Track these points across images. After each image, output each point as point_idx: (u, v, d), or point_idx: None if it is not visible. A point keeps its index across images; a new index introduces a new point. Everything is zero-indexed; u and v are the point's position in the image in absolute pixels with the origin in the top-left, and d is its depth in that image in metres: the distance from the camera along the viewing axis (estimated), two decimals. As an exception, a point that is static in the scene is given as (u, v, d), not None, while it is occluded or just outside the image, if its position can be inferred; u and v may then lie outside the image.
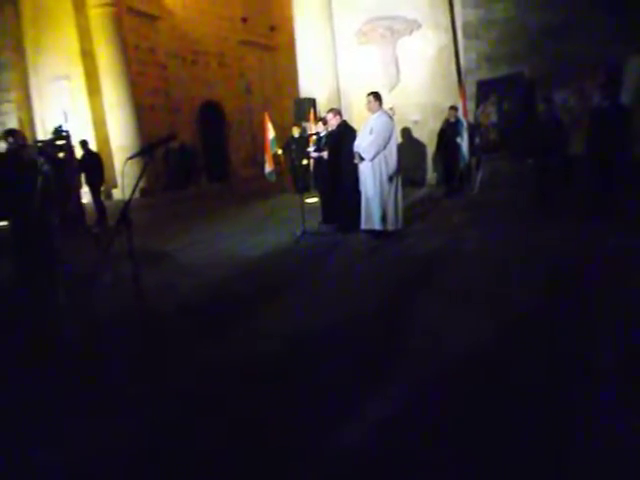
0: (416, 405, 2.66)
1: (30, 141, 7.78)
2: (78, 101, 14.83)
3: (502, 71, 9.52)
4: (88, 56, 14.71)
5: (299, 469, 2.25)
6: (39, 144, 4.91)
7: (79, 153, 9.87)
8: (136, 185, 2.85)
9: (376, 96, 6.51)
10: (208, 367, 3.30)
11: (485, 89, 9.35)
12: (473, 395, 2.70)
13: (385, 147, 6.28)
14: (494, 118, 9.07)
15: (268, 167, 10.33)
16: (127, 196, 2.66)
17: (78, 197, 9.59)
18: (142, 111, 15.45)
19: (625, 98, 7.40)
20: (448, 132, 9.45)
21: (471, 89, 9.93)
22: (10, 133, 5.05)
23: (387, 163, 6.33)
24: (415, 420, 2.53)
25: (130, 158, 2.85)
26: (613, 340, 3.16)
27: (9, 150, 5.12)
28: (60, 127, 5.17)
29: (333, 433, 2.46)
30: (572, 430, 2.34)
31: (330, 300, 4.43)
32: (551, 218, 6.66)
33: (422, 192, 10.34)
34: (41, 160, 5.26)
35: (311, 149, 8.03)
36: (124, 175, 14.98)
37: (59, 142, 5.41)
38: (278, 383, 3.03)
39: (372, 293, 4.56)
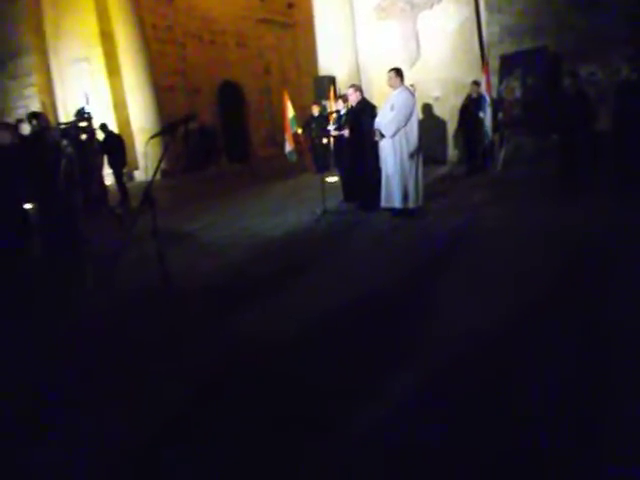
0: (440, 386, 2.68)
1: (53, 124, 7.88)
2: (98, 83, 14.91)
3: (526, 45, 9.27)
4: (107, 37, 14.74)
5: (314, 452, 2.28)
6: (62, 126, 4.94)
7: (100, 136, 9.98)
8: (158, 166, 2.87)
9: (397, 72, 6.41)
10: (231, 345, 3.34)
11: (508, 63, 9.13)
12: (496, 376, 2.70)
13: (406, 124, 6.20)
14: (518, 93, 8.87)
15: (288, 146, 10.29)
16: (149, 177, 2.68)
17: (101, 179, 9.71)
18: (161, 92, 15.48)
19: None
20: (470, 108, 9.27)
21: (494, 64, 9.70)
22: (34, 116, 5.13)
23: (408, 140, 6.25)
24: (438, 400, 2.54)
25: (152, 137, 2.87)
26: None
27: (33, 133, 5.21)
28: (83, 109, 5.22)
29: (349, 416, 2.48)
30: (597, 420, 2.32)
31: (353, 280, 4.43)
32: (576, 195, 6.52)
33: (443, 169, 10.22)
34: (64, 142, 5.34)
35: (331, 127, 7.97)
36: (146, 156, 15.19)
37: (82, 124, 5.45)
38: (297, 361, 3.06)
39: (394, 272, 4.55)
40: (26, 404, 2.80)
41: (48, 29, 15.17)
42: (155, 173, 2.68)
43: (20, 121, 6.76)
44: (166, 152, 2.90)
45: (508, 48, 9.66)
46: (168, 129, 2.91)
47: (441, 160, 10.85)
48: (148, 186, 2.63)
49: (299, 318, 3.65)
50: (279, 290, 4.32)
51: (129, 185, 11.27)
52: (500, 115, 9.11)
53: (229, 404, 2.64)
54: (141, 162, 15.20)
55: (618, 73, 7.76)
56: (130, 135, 14.68)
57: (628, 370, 2.57)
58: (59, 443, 2.42)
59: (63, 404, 2.78)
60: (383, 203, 6.54)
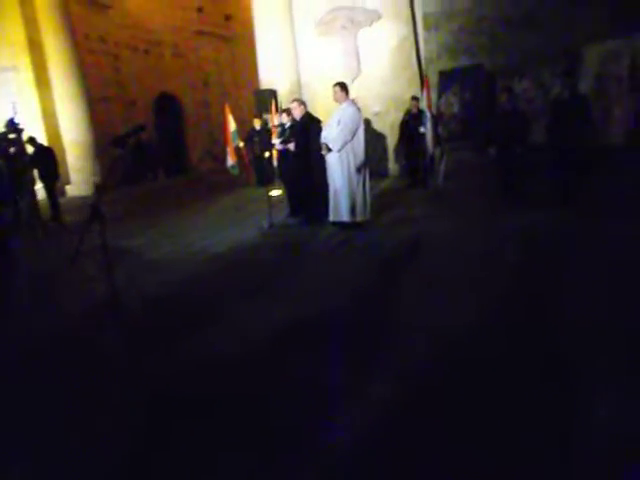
0: (407, 397, 2.63)
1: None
2: (26, 94, 14.17)
3: (463, 62, 9.63)
4: (36, 47, 14.08)
5: (291, 463, 2.18)
6: (-8, 137, 4.62)
7: (30, 149, 9.43)
8: (109, 179, 2.69)
9: (342, 86, 6.45)
10: (180, 367, 3.17)
11: (446, 79, 9.43)
12: (463, 381, 2.69)
13: (352, 138, 6.24)
14: (456, 108, 9.16)
15: (230, 160, 10.11)
16: (81, 192, 2.51)
17: (32, 193, 9.16)
18: (95, 104, 14.92)
19: (583, 87, 7.58)
20: (410, 123, 9.47)
21: (432, 80, 9.99)
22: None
23: (355, 154, 6.29)
24: (409, 409, 2.49)
25: (111, 145, 2.66)
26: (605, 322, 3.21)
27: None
28: (12, 120, 4.87)
29: (321, 431, 2.39)
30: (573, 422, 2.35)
31: (303, 294, 4.34)
32: (514, 207, 6.78)
33: (385, 183, 10.36)
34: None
35: (276, 141, 7.90)
36: (76, 171, 14.53)
37: (11, 136, 5.10)
38: (262, 379, 2.94)
39: (346, 285, 4.51)
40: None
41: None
42: (103, 187, 2.51)
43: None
44: (117, 164, 2.73)
45: (445, 65, 10.00)
46: (119, 140, 2.74)
47: (383, 174, 11.02)
48: (96, 200, 2.46)
49: (251, 338, 3.51)
50: (229, 309, 4.17)
51: (62, 200, 10.70)
52: (440, 129, 9.36)
53: (185, 428, 2.49)
54: (73, 176, 14.54)
55: (550, 89, 8.16)
56: (61, 148, 14.03)
57: (585, 364, 2.63)
58: None
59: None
60: (331, 217, 6.52)
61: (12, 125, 4.87)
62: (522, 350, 2.99)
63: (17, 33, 13.92)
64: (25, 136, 8.61)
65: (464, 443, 2.23)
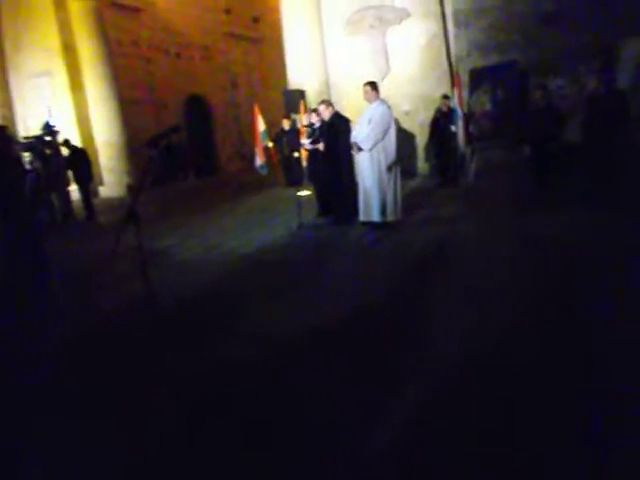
0: (435, 404, 2.58)
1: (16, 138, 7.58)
2: (61, 97, 14.50)
3: (494, 59, 9.47)
4: (70, 51, 14.39)
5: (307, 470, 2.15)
6: (29, 140, 4.71)
7: (65, 151, 9.65)
8: (144, 180, 2.71)
9: (372, 85, 6.40)
10: (209, 369, 3.17)
11: (478, 77, 9.28)
12: (490, 392, 2.62)
13: (384, 137, 6.18)
14: (488, 106, 9.02)
15: (259, 160, 10.17)
16: (114, 192, 2.53)
17: (67, 194, 9.37)
18: (127, 106, 15.18)
19: (621, 82, 7.37)
20: (441, 121, 9.37)
21: (463, 78, 9.86)
22: (-1, 129, 4.86)
23: (386, 153, 6.23)
24: (434, 420, 2.44)
25: (147, 145, 2.67)
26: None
27: (-3, 147, 4.93)
28: (48, 123, 4.98)
29: (346, 438, 2.36)
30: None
31: (334, 296, 4.31)
32: (548, 206, 6.60)
33: (415, 182, 10.26)
34: (30, 157, 5.09)
35: (306, 141, 7.89)
36: (109, 172, 14.81)
37: (48, 138, 5.23)
38: (288, 384, 2.92)
39: (377, 286, 4.46)
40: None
41: (7, 43, 14.71)
42: (140, 189, 2.53)
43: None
44: (151, 166, 2.75)
45: (476, 63, 9.84)
46: (153, 141, 2.76)
47: (412, 173, 10.90)
48: (133, 202, 2.48)
49: (280, 338, 3.50)
50: (262, 309, 4.16)
51: (95, 201, 10.93)
52: (471, 128, 9.22)
53: (216, 429, 2.48)
54: (105, 177, 14.82)
55: (585, 86, 7.97)
56: (94, 150, 14.31)
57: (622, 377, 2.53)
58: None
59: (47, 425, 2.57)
60: (361, 217, 6.48)
61: (48, 128, 4.97)
62: (556, 357, 2.89)
63: (52, 38, 14.26)
64: (60, 138, 8.83)
65: (494, 447, 2.17)
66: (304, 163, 9.30)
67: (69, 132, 13.21)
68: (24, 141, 5.08)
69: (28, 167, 5.31)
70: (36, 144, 4.83)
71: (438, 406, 2.53)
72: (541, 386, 2.59)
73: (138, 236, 2.55)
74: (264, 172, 10.38)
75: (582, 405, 2.39)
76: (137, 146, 13.57)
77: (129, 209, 2.48)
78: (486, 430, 2.29)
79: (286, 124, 11.63)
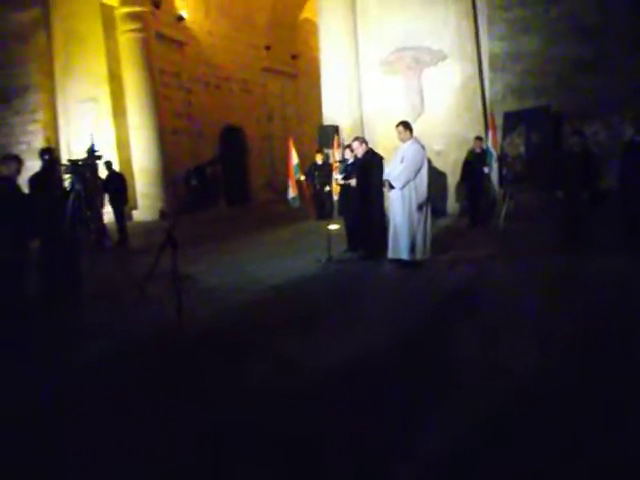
0: (469, 439, 2.54)
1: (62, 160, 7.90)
2: (103, 122, 15.03)
3: (528, 103, 9.50)
4: (115, 79, 14.98)
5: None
6: (73, 162, 4.92)
7: (103, 173, 9.97)
8: (182, 207, 2.79)
9: (405, 125, 6.49)
10: (240, 399, 3.19)
11: (512, 120, 9.32)
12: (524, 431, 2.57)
13: (416, 176, 6.23)
14: (521, 149, 9.02)
15: (292, 192, 10.32)
16: (146, 217, 2.61)
17: (100, 217, 9.62)
18: (165, 134, 15.65)
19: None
20: (474, 163, 9.40)
21: (497, 120, 9.91)
22: (47, 151, 5.08)
23: (417, 191, 6.27)
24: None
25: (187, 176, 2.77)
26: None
27: (43, 168, 5.16)
28: (93, 147, 5.19)
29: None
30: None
31: (362, 331, 4.31)
32: (581, 252, 6.50)
33: (445, 222, 10.24)
34: (73, 179, 5.29)
35: (338, 176, 8.00)
36: (143, 197, 15.20)
37: (95, 162, 5.46)
38: (310, 420, 2.91)
39: (403, 324, 4.44)
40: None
41: (57, 69, 15.41)
42: (177, 214, 2.61)
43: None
44: (194, 193, 2.83)
45: (510, 106, 9.90)
46: (198, 170, 2.85)
47: (442, 212, 10.89)
48: (171, 227, 2.56)
49: (310, 371, 3.50)
50: (288, 341, 4.17)
51: (128, 224, 11.18)
52: (504, 170, 9.22)
53: (235, 463, 2.48)
54: (140, 202, 15.19)
55: (622, 133, 7.92)
56: (131, 175, 14.71)
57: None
58: None
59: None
60: (390, 254, 6.48)
61: (93, 152, 5.19)
62: (588, 401, 2.83)
63: (99, 66, 14.88)
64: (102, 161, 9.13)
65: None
66: (335, 197, 9.40)
67: (109, 156, 13.63)
68: (68, 163, 5.28)
69: (68, 188, 5.51)
70: (81, 167, 5.02)
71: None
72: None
73: (174, 261, 2.62)
74: (295, 204, 10.52)
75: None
76: (179, 175, 13.96)
77: (167, 233, 2.55)
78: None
79: (319, 158, 11.83)
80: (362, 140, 7.32)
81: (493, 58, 10.25)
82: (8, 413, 3.05)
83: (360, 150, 7.15)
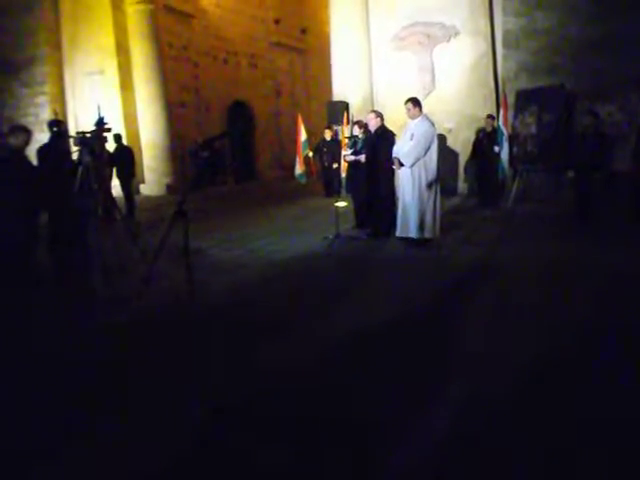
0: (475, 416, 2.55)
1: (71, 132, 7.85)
2: (110, 95, 14.92)
3: (542, 82, 9.33)
4: (123, 52, 14.83)
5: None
6: (83, 135, 4.87)
7: (112, 146, 9.93)
8: (195, 180, 2.77)
9: (415, 102, 6.39)
10: (254, 374, 3.20)
11: (525, 99, 9.17)
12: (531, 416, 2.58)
13: (425, 154, 6.16)
14: (533, 129, 8.89)
15: (299, 169, 10.23)
16: (153, 191, 2.59)
17: (109, 190, 9.60)
18: (173, 108, 15.53)
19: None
20: (484, 141, 9.28)
21: (509, 99, 9.75)
22: (56, 123, 5.05)
23: (427, 170, 6.21)
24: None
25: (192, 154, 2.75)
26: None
27: (52, 140, 5.13)
28: (102, 119, 5.14)
29: (384, 447, 2.35)
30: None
31: (368, 308, 4.31)
32: (591, 233, 6.45)
33: (454, 201, 10.18)
34: (81, 151, 5.24)
35: (347, 152, 7.92)
36: (150, 171, 15.16)
37: (104, 134, 5.40)
38: (326, 394, 2.92)
39: (410, 301, 4.43)
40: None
41: (65, 41, 15.27)
42: (189, 186, 2.59)
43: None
44: (206, 167, 2.81)
45: (523, 84, 9.72)
46: (206, 144, 2.82)
47: (452, 192, 10.81)
48: (181, 200, 2.54)
49: (322, 347, 3.51)
50: (299, 317, 4.18)
51: (135, 198, 11.18)
52: (514, 150, 9.10)
53: (255, 436, 2.51)
54: (147, 176, 15.16)
55: (636, 114, 7.78)
56: (138, 148, 14.65)
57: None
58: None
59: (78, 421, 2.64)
60: (398, 232, 6.45)
61: (102, 124, 5.13)
62: (597, 383, 2.83)
63: (106, 38, 14.72)
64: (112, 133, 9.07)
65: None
66: (343, 174, 9.34)
67: (116, 129, 13.58)
68: (77, 135, 5.23)
69: (77, 160, 5.47)
70: (89, 139, 4.98)
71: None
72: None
73: (185, 236, 2.61)
74: (303, 181, 10.43)
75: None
76: (192, 148, 13.83)
77: (177, 207, 2.54)
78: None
79: (328, 135, 11.72)
80: (378, 114, 7.19)
81: (507, 35, 10.04)
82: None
83: (374, 122, 7.04)
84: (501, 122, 8.64)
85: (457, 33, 10.82)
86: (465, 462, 2.23)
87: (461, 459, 2.25)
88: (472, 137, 10.02)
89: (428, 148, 6.21)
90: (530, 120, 8.95)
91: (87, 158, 5.14)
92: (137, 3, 14.53)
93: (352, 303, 4.45)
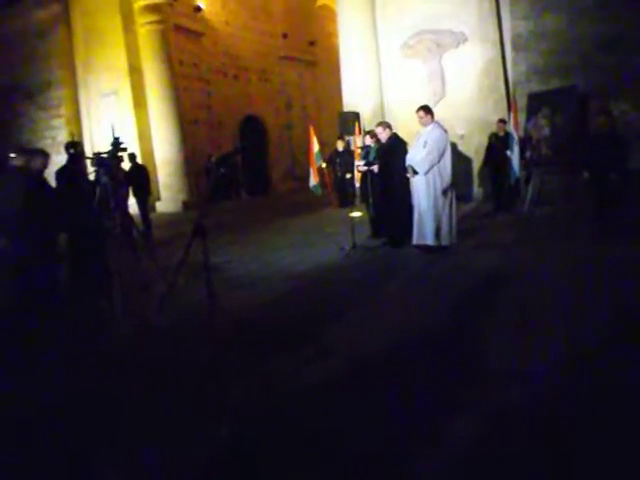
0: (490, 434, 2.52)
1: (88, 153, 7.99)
2: (125, 115, 15.18)
3: (553, 84, 9.28)
4: (135, 72, 15.10)
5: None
6: (99, 156, 4.97)
7: (126, 166, 10.07)
8: (211, 196, 2.80)
9: (426, 110, 6.40)
10: (270, 390, 3.21)
11: (536, 102, 9.11)
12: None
13: (439, 160, 6.16)
14: (546, 132, 8.82)
15: (313, 180, 10.26)
16: (168, 208, 2.62)
17: (126, 208, 9.73)
18: (186, 125, 15.73)
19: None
20: (497, 146, 9.25)
21: (520, 102, 9.71)
22: (73, 145, 5.14)
23: (441, 176, 6.20)
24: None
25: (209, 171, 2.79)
26: None
27: (69, 162, 5.22)
28: (118, 139, 5.23)
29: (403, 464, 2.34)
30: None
31: (388, 318, 4.29)
32: (606, 237, 6.31)
33: (469, 207, 10.13)
34: (99, 171, 5.33)
35: (360, 163, 7.94)
36: (166, 188, 15.33)
37: (119, 154, 5.49)
38: (341, 410, 2.92)
39: (429, 311, 4.40)
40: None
41: (79, 64, 15.61)
42: (206, 203, 2.62)
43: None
44: (220, 183, 2.84)
45: (535, 87, 9.67)
46: (223, 159, 2.85)
47: (466, 198, 10.76)
48: (199, 216, 2.57)
49: (344, 359, 3.50)
50: (319, 328, 4.17)
51: (151, 216, 11.30)
52: (528, 153, 9.05)
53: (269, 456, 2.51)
54: (162, 193, 15.34)
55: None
56: (153, 166, 14.85)
57: None
58: None
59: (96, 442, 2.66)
60: (415, 240, 6.43)
61: (118, 144, 5.22)
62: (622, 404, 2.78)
63: (119, 59, 15.02)
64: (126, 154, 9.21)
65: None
66: (357, 184, 9.36)
67: (131, 148, 13.79)
68: (94, 156, 5.32)
69: (93, 180, 5.56)
70: (106, 160, 5.07)
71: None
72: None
73: (205, 252, 2.64)
74: (317, 192, 10.46)
75: None
76: (207, 164, 13.97)
77: (196, 223, 2.57)
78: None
79: (340, 145, 11.77)
80: (386, 125, 7.23)
81: (516, 38, 10.01)
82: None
83: (384, 135, 7.07)
84: (511, 126, 8.61)
85: (465, 39, 10.83)
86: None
87: None
88: (485, 142, 9.98)
89: (442, 155, 6.20)
90: (542, 122, 8.89)
91: (104, 178, 5.23)
92: (148, 24, 14.82)
93: (372, 315, 4.42)
